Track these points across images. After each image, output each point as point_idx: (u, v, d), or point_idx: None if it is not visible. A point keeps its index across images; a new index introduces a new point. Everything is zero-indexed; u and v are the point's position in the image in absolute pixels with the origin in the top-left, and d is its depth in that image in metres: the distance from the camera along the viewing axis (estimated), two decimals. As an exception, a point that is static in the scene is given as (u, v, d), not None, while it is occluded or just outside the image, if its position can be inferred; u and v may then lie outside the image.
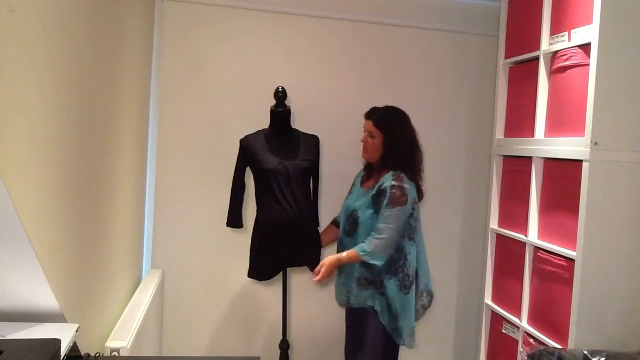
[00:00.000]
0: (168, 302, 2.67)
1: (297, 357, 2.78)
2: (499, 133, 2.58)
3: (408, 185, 2.15)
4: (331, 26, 2.78)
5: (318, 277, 2.12)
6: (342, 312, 2.43)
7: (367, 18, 2.81)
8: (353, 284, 2.20)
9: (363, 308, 2.20)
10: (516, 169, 2.43)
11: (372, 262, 2.09)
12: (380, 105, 2.33)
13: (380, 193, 2.14)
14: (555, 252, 2.05)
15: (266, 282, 2.44)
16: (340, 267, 2.25)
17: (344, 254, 2.15)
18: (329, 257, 2.17)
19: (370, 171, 2.34)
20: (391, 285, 2.15)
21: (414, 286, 2.20)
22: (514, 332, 2.35)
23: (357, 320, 2.25)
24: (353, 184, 2.41)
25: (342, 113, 2.79)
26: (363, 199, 2.22)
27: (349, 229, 2.24)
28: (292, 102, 2.45)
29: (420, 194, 2.24)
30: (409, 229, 2.18)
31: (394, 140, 2.20)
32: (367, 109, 2.37)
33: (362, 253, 2.10)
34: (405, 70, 2.88)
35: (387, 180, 2.15)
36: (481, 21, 2.91)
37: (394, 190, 2.12)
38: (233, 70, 2.68)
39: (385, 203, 2.11)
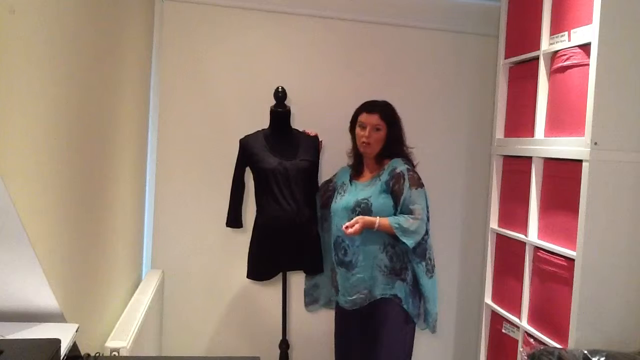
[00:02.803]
0: (168, 302, 2.67)
1: (297, 357, 2.78)
2: (499, 133, 2.58)
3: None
4: (331, 26, 2.78)
5: (351, 231, 2.07)
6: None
7: (367, 18, 2.81)
8: (376, 275, 2.17)
9: (387, 298, 2.17)
10: (516, 169, 2.43)
11: (403, 239, 2.10)
12: None
13: (397, 177, 2.17)
14: (555, 252, 2.05)
15: (266, 282, 2.44)
16: (352, 264, 2.19)
17: (378, 220, 2.11)
18: (364, 216, 2.13)
19: (360, 167, 2.34)
20: (420, 269, 2.18)
21: (435, 270, 2.24)
22: (514, 332, 2.35)
23: (380, 312, 2.20)
24: (340, 184, 2.35)
25: (341, 113, 2.77)
26: (370, 189, 2.21)
27: None
28: (291, 102, 2.45)
29: None
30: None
31: (396, 132, 2.27)
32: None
33: (397, 226, 2.09)
34: (405, 70, 2.88)
35: (400, 164, 2.20)
36: (481, 21, 2.91)
37: (411, 173, 2.19)
38: (233, 70, 2.68)
39: (408, 185, 2.14)
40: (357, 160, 2.35)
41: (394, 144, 2.27)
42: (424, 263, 2.18)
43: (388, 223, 2.11)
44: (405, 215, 2.13)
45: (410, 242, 2.11)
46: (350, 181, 2.33)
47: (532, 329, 2.18)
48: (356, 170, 2.35)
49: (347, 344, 2.35)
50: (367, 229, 2.13)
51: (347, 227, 2.10)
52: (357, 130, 2.29)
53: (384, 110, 2.26)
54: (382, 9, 2.82)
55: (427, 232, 2.19)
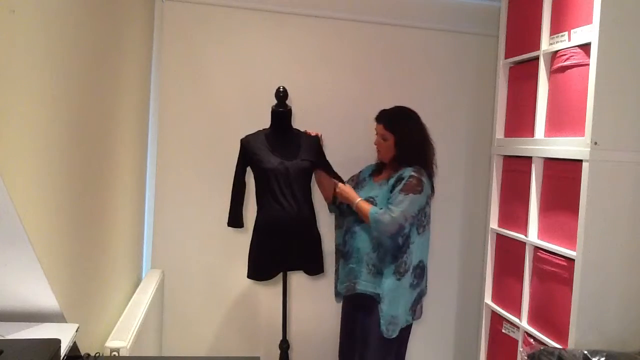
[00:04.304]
0: (168, 302, 2.67)
1: (297, 357, 2.78)
2: (499, 133, 2.58)
3: (425, 180, 2.24)
4: (332, 26, 2.78)
5: (339, 188, 2.32)
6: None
7: (368, 18, 2.81)
8: (362, 270, 2.23)
9: (368, 295, 2.22)
10: (516, 169, 2.43)
11: (372, 228, 2.16)
12: (384, 105, 2.40)
13: (399, 180, 2.22)
14: (555, 252, 2.05)
15: (266, 282, 2.44)
16: (348, 254, 2.29)
17: (359, 201, 2.23)
18: (351, 190, 2.30)
19: (382, 168, 2.41)
20: (389, 268, 2.19)
21: (408, 275, 2.20)
22: (514, 332, 2.35)
23: (368, 308, 2.24)
24: (362, 179, 2.45)
25: (342, 113, 2.79)
26: (380, 189, 2.27)
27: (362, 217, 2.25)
28: (292, 102, 2.45)
29: (432, 190, 2.32)
30: (419, 221, 2.24)
31: (404, 140, 2.29)
32: (368, 108, 2.40)
33: (374, 214, 2.15)
34: (405, 70, 2.88)
35: (407, 171, 2.24)
36: (481, 21, 2.91)
37: (411, 179, 2.20)
38: (233, 70, 2.68)
39: (399, 189, 2.18)
40: (381, 164, 2.43)
41: (402, 152, 2.28)
42: (394, 264, 2.19)
43: (368, 210, 2.18)
44: (383, 209, 2.18)
45: (375, 233, 2.16)
46: (370, 178, 2.41)
47: (532, 329, 2.18)
48: (377, 168, 2.45)
49: (343, 329, 2.44)
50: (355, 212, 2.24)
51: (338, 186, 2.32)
52: None
53: (387, 120, 2.31)
54: (382, 9, 2.82)
55: (409, 238, 2.20)
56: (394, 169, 2.31)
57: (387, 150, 2.31)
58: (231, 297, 2.75)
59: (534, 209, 2.22)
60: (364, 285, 2.23)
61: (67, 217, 1.40)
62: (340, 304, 2.49)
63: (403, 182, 2.19)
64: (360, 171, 2.52)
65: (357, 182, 2.47)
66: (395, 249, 2.18)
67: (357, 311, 2.31)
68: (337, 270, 2.46)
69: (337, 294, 2.49)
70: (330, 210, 2.55)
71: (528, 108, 2.32)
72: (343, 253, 2.35)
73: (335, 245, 2.49)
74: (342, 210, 2.47)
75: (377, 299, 2.20)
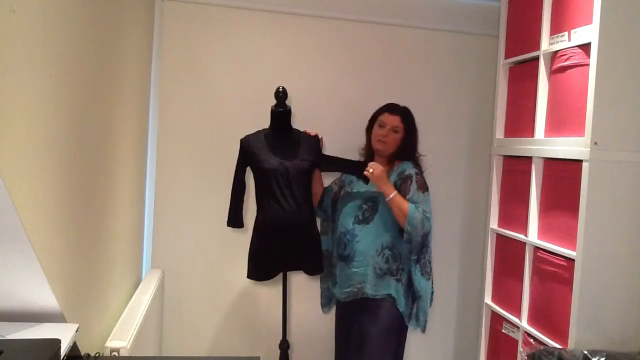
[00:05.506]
0: (168, 302, 2.67)
1: (297, 357, 2.78)
2: (499, 133, 2.58)
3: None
4: (332, 26, 2.78)
5: (371, 172, 2.17)
6: (342, 312, 2.43)
7: (368, 18, 2.81)
8: (369, 274, 2.22)
9: (380, 298, 2.22)
10: (516, 169, 2.43)
11: (407, 225, 2.14)
12: (380, 104, 2.38)
13: (405, 178, 2.24)
14: (555, 252, 2.05)
15: (266, 282, 2.43)
16: (350, 258, 2.26)
17: (396, 194, 2.16)
18: (386, 177, 2.19)
19: None
20: (416, 270, 2.22)
21: (432, 274, 2.29)
22: (514, 332, 2.35)
23: (371, 310, 2.25)
24: (348, 181, 2.41)
25: (342, 113, 2.79)
26: None
27: (362, 217, 2.26)
28: (292, 102, 2.45)
29: None
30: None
31: (412, 136, 2.35)
32: (367, 109, 2.40)
33: (415, 212, 2.13)
34: (405, 70, 2.88)
35: (409, 168, 2.27)
36: (481, 21, 2.91)
37: (419, 177, 2.24)
38: (233, 70, 2.68)
39: (416, 187, 2.21)
40: (370, 158, 2.41)
41: (407, 148, 2.34)
42: (418, 265, 2.23)
43: (406, 209, 2.14)
44: (419, 207, 2.17)
45: (411, 229, 2.14)
46: (359, 177, 2.36)
47: (532, 329, 2.18)
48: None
49: (343, 336, 2.41)
50: (380, 205, 2.22)
51: (368, 171, 2.18)
52: (376, 128, 2.36)
53: (405, 114, 2.35)
54: (382, 9, 2.82)
55: (427, 237, 2.23)
56: (388, 164, 2.32)
57: (394, 142, 2.32)
58: (231, 297, 2.75)
59: (534, 209, 2.22)
60: (373, 288, 2.22)
61: (67, 217, 1.40)
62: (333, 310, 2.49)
63: (413, 179, 2.21)
64: (342, 175, 2.49)
65: (340, 185, 2.44)
66: (419, 249, 2.21)
67: (357, 313, 2.30)
68: (326, 277, 2.45)
69: (326, 304, 2.49)
70: (316, 215, 2.52)
71: (528, 108, 2.32)
72: (343, 257, 2.30)
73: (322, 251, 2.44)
74: (328, 214, 2.47)
75: (389, 299, 2.21)
